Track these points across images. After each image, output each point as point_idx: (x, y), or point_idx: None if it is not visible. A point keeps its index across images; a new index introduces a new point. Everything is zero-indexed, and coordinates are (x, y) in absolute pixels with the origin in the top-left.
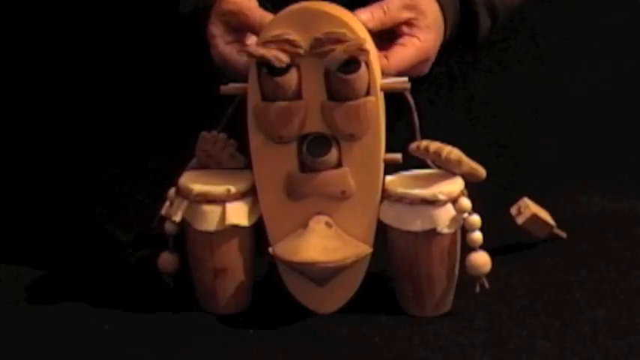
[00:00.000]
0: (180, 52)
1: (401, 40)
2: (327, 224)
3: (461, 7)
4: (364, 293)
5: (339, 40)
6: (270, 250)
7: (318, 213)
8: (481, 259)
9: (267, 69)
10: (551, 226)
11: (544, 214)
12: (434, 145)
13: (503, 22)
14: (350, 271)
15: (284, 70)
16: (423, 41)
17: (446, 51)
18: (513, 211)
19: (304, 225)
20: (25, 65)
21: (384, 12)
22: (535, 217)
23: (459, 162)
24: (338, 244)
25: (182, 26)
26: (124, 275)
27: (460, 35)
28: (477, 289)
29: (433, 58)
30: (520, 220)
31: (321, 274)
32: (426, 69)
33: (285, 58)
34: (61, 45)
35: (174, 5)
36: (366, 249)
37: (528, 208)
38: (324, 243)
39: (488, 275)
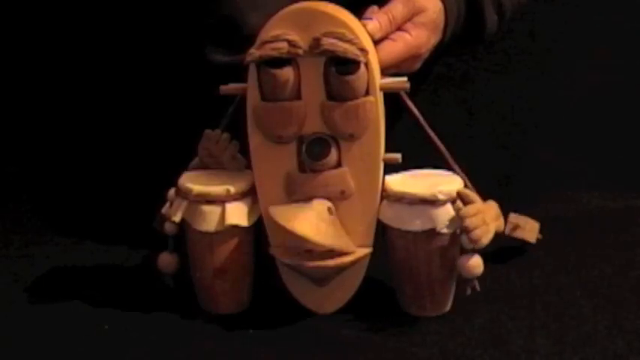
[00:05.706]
0: (181, 52)
1: (392, 35)
2: (330, 210)
3: (467, 4)
4: (364, 293)
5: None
6: (270, 246)
7: None
8: (473, 261)
9: (267, 63)
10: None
11: (526, 231)
12: (469, 222)
13: (510, 19)
14: (350, 271)
15: (283, 62)
16: (414, 37)
17: (446, 51)
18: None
19: (308, 200)
20: (30, 64)
21: (390, 22)
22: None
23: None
24: (332, 231)
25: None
26: (124, 275)
27: (466, 32)
28: (468, 291)
29: (425, 55)
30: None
31: (316, 274)
32: (416, 66)
33: (283, 46)
34: (63, 45)
35: (176, 6)
36: (353, 248)
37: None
38: (320, 224)
39: (488, 275)
